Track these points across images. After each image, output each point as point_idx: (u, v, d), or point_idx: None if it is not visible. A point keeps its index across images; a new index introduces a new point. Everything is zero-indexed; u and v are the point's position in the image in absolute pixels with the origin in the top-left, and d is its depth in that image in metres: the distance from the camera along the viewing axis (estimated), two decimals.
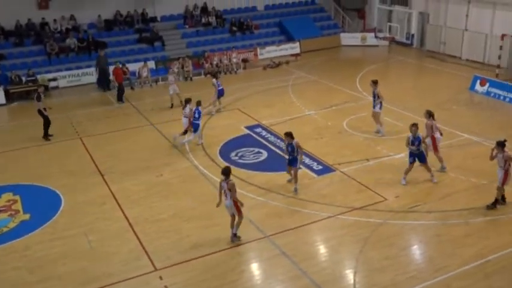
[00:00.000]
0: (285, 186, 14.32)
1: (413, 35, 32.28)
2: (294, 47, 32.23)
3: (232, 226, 11.98)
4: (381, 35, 32.05)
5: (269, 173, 15.22)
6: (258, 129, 18.99)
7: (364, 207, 13.20)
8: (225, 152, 16.94)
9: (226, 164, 14.67)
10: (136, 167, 16.16)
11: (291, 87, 24.91)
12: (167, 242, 12.14)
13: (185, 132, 17.54)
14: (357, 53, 32.86)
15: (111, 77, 24.54)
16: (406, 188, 14.02)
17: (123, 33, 30.30)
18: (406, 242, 11.78)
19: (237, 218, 11.92)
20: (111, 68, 25.23)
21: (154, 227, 12.76)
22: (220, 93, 20.70)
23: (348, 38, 34.17)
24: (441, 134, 14.69)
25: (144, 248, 11.94)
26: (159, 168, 15.95)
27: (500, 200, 12.81)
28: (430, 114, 14.56)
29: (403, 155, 15.98)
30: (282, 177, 14.80)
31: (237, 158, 16.41)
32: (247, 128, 19.23)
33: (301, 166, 14.22)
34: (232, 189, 11.58)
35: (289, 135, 13.65)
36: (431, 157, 14.83)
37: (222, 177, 11.57)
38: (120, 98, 23.33)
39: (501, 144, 12.40)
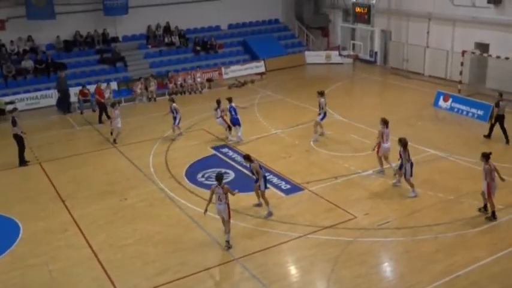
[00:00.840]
0: (252, 207, 14.29)
1: (376, 53, 33.06)
2: (258, 66, 32.50)
3: (227, 230, 12.29)
4: (344, 52, 32.69)
5: (241, 193, 15.17)
6: (225, 150, 18.96)
7: (334, 225, 13.29)
8: (191, 173, 16.83)
9: (192, 185, 14.54)
10: (100, 192, 15.88)
11: (257, 106, 25.05)
12: (133, 268, 11.89)
13: (229, 127, 19.29)
14: (321, 71, 33.37)
15: (95, 96, 23.95)
16: (375, 205, 14.20)
17: (83, 54, 29.97)
18: (377, 260, 11.89)
19: (226, 221, 12.25)
20: (72, 90, 24.93)
21: (119, 254, 12.50)
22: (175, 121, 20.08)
23: (313, 56, 34.72)
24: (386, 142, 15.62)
25: (108, 276, 11.65)
26: (123, 192, 15.71)
27: (482, 210, 13.28)
28: (384, 122, 15.60)
29: (371, 172, 16.23)
30: (250, 197, 14.77)
31: (203, 179, 16.32)
32: (214, 148, 19.19)
33: (268, 186, 14.23)
34: (227, 193, 12.08)
35: (246, 158, 13.73)
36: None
37: (216, 182, 12.10)
38: (100, 119, 23.15)
39: (485, 156, 12.78)
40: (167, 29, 32.56)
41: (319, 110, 18.98)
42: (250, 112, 23.97)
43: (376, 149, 15.88)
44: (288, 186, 15.57)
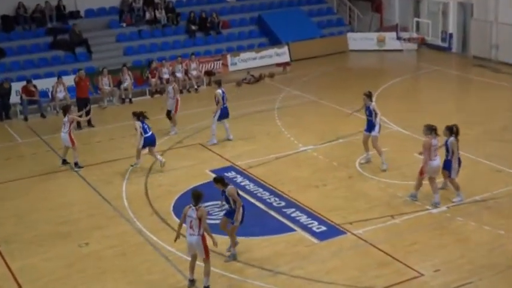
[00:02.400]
0: (271, 258, 14.24)
1: (451, 35, 33.07)
2: (280, 53, 32.73)
3: (192, 270, 12.74)
4: (405, 35, 32.79)
5: (247, 238, 15.11)
6: (231, 174, 18.98)
7: (391, 287, 13.18)
8: (181, 207, 16.67)
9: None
10: (50, 233, 15.93)
11: (278, 111, 25.09)
12: None
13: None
14: (372, 61, 33.44)
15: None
16: (450, 256, 14.05)
17: (29, 35, 30.42)
18: None
19: (204, 263, 12.59)
20: (17, 85, 25.39)
21: None
22: (150, 141, 19.80)
23: (359, 40, 34.89)
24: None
25: None
26: (83, 234, 15.75)
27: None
28: (431, 129, 16.35)
29: (445, 209, 16.12)
30: (268, 243, 14.74)
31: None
32: (215, 172, 19.20)
33: (237, 219, 14.19)
34: (203, 219, 12.44)
35: (218, 181, 14.02)
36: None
37: (192, 202, 12.60)
38: (89, 120, 23.85)
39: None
40: (150, 0, 32.88)
41: (373, 118, 18.73)
42: (268, 119, 24.03)
43: (421, 169, 16.39)
44: (323, 228, 15.50)
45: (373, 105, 18.79)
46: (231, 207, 14.10)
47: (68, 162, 20.33)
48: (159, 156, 19.61)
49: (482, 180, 17.49)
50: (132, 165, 19.47)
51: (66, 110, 20.32)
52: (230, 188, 13.96)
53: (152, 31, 32.32)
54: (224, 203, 14.45)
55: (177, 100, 22.73)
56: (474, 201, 16.56)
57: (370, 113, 18.69)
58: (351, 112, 20.28)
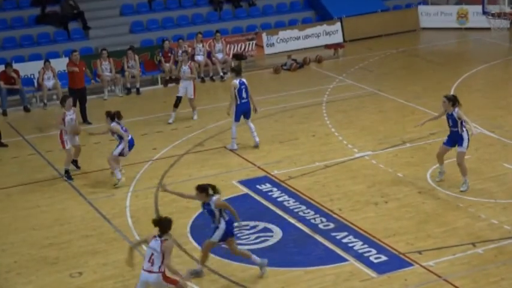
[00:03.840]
0: None
1: None
2: (331, 32, 32.70)
3: None
4: (494, 8, 32.48)
5: (286, 268, 15.17)
6: (265, 186, 19.04)
7: None
8: (202, 229, 16.84)
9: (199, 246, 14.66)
10: (33, 259, 16.03)
11: (327, 106, 25.13)
12: None
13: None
14: (450, 43, 33.23)
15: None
16: None
17: (10, 6, 30.75)
18: None
19: None
20: None
21: None
22: (131, 146, 19.82)
23: (433, 16, 34.74)
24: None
25: None
26: (76, 261, 15.85)
27: None
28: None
29: None
30: (313, 276, 14.79)
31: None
32: (244, 183, 19.30)
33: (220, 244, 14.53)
34: (166, 254, 12.55)
35: (201, 189, 14.36)
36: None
37: (154, 231, 12.74)
38: (84, 116, 24.49)
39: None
40: None
41: (458, 128, 17.99)
42: (315, 117, 24.04)
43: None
44: (383, 258, 15.43)
45: (458, 112, 17.99)
46: (214, 223, 14.43)
47: (78, 166, 20.63)
48: (117, 171, 19.53)
49: None
50: (115, 185, 19.51)
51: (62, 101, 20.42)
52: (217, 199, 14.28)
53: (166, 1, 32.48)
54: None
55: (194, 86, 23.52)
56: None
57: (454, 123, 17.99)
58: (423, 122, 19.51)
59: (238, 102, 21.04)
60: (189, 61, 23.84)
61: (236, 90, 20.91)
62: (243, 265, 15.33)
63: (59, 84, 26.27)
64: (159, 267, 12.59)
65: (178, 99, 23.60)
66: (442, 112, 18.35)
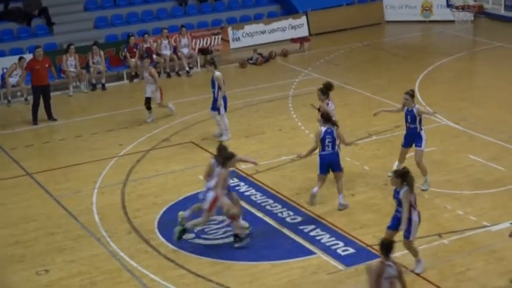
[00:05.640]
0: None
1: None
2: (297, 26, 32.72)
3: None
4: (458, 1, 32.72)
5: (254, 263, 15.19)
6: (232, 181, 18.95)
7: None
8: (169, 224, 16.84)
9: (172, 247, 14.61)
10: (0, 258, 16.10)
11: (294, 99, 25.18)
12: None
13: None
14: (414, 36, 33.39)
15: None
16: None
17: None
18: None
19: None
20: None
21: None
22: None
23: (398, 9, 34.90)
24: None
25: None
26: (42, 259, 15.75)
27: None
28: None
29: (508, 225, 16.15)
30: (280, 270, 14.82)
31: (192, 235, 16.35)
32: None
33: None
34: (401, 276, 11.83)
35: (399, 175, 14.20)
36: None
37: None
38: (49, 112, 24.15)
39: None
40: None
41: (417, 125, 17.87)
42: (281, 111, 24.06)
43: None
44: (350, 251, 15.52)
45: (419, 108, 17.91)
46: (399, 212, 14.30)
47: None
48: None
49: None
50: None
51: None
52: (405, 191, 14.20)
53: None
54: None
55: (160, 89, 23.15)
56: None
57: (412, 119, 17.80)
58: (378, 111, 19.25)
59: (225, 94, 21.24)
60: (150, 67, 23.28)
61: (223, 81, 21.02)
62: (210, 260, 15.34)
63: (23, 81, 25.94)
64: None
65: (147, 100, 23.19)
66: (400, 108, 18.18)
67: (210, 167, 15.97)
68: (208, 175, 15.93)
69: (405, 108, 17.88)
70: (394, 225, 14.40)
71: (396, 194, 14.23)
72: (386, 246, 11.79)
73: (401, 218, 14.17)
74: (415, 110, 17.67)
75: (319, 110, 18.44)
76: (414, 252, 14.53)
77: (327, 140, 17.11)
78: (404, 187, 14.05)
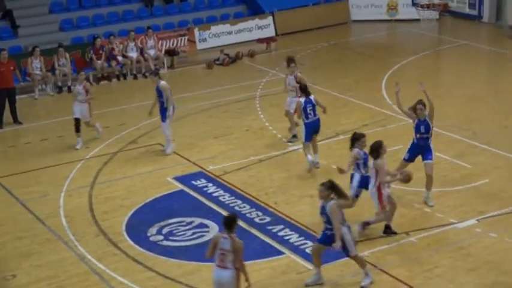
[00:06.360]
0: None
1: (481, 0, 33.24)
2: (263, 26, 32.71)
3: None
4: (423, 0, 32.88)
5: None
6: (201, 182, 19.04)
7: None
8: (137, 226, 16.89)
9: (140, 249, 14.61)
10: None
11: (261, 100, 25.20)
12: None
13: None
14: (380, 35, 33.53)
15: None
16: (478, 283, 14.19)
17: None
18: None
19: None
20: None
21: None
22: None
23: (364, 8, 35.01)
24: None
25: None
26: (9, 263, 15.67)
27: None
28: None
29: (474, 222, 16.29)
30: (249, 270, 14.70)
31: (161, 237, 16.36)
32: (179, 179, 19.30)
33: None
34: (240, 250, 12.25)
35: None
36: None
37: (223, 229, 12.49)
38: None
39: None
40: None
41: (430, 135, 17.21)
42: (248, 111, 24.08)
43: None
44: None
45: (430, 114, 17.17)
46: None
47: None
48: None
49: None
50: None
51: None
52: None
53: None
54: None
55: (90, 106, 21.63)
56: None
57: (427, 129, 17.01)
58: (398, 90, 17.97)
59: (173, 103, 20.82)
60: (85, 81, 21.84)
61: (170, 92, 20.67)
62: (179, 261, 15.34)
63: None
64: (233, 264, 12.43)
65: (77, 122, 21.52)
66: (412, 116, 17.27)
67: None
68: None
69: (416, 119, 17.10)
70: (323, 240, 14.11)
71: (323, 209, 13.83)
72: (227, 221, 12.43)
73: (333, 234, 13.77)
74: (428, 119, 17.02)
75: (299, 82, 20.27)
76: (361, 264, 14.23)
77: (308, 109, 18.94)
78: (330, 201, 13.70)
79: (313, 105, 19.06)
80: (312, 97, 19.12)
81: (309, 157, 19.00)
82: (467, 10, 33.50)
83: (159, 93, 20.50)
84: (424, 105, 17.00)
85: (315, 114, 19.10)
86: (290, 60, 21.28)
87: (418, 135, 17.04)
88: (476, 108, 23.45)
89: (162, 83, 20.58)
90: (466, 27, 33.01)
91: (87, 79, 23.59)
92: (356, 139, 16.07)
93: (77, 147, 21.45)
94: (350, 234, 13.94)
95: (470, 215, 16.54)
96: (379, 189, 15.48)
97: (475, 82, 26.45)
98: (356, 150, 16.06)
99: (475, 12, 33.33)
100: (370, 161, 15.68)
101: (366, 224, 15.86)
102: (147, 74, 28.45)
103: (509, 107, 23.42)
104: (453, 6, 33.49)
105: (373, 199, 15.66)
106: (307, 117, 18.98)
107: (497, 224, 16.17)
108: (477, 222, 16.32)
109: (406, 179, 15.59)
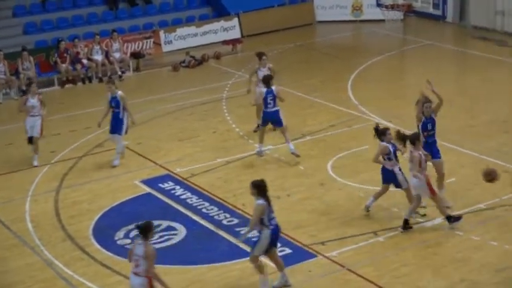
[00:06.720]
0: None
1: (445, 1, 33.45)
2: (229, 28, 32.70)
3: None
4: (388, 0, 33.04)
5: (191, 266, 15.17)
6: (168, 185, 19.01)
7: None
8: (104, 230, 16.81)
9: (108, 253, 14.59)
10: None
11: (227, 102, 25.20)
12: None
13: None
14: (345, 36, 33.64)
15: None
16: (445, 281, 14.27)
17: None
18: None
19: None
20: None
21: None
22: None
23: (329, 9, 35.08)
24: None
25: None
26: None
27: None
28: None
29: (441, 221, 16.40)
30: (217, 272, 14.81)
31: (128, 241, 16.24)
32: (146, 182, 19.25)
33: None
34: (152, 258, 12.35)
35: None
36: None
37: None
38: None
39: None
40: None
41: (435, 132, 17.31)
42: (215, 113, 24.06)
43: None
44: (287, 251, 15.54)
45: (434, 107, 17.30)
46: None
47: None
48: None
49: (487, 184, 17.79)
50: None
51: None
52: None
53: (60, 1, 32.02)
54: None
55: (42, 121, 20.54)
56: (478, 209, 16.91)
57: (433, 126, 17.02)
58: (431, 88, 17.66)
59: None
60: (38, 94, 20.78)
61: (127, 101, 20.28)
62: None
63: None
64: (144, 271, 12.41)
65: (30, 141, 20.54)
66: (420, 118, 17.10)
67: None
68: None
69: (423, 118, 16.97)
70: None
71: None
72: (143, 228, 12.41)
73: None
74: (433, 115, 17.05)
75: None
76: (258, 269, 13.99)
77: (269, 98, 19.82)
78: (257, 200, 13.63)
79: (274, 96, 19.86)
80: (273, 88, 19.96)
81: (258, 146, 20.12)
82: (431, 10, 33.71)
83: (116, 103, 19.91)
84: (431, 102, 17.07)
85: (274, 105, 19.83)
86: (261, 54, 22.04)
87: (425, 133, 16.95)
88: (442, 107, 23.54)
89: (120, 92, 20.10)
90: (431, 27, 33.20)
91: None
92: (382, 133, 16.33)
93: (35, 164, 20.58)
94: (268, 236, 13.66)
95: (437, 214, 16.57)
96: (427, 181, 15.81)
97: (440, 82, 26.40)
98: (383, 143, 16.35)
99: (439, 13, 33.54)
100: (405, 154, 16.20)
101: (450, 217, 16.00)
102: (112, 77, 28.20)
103: (474, 106, 23.63)
104: (417, 6, 33.70)
105: (422, 191, 15.86)
106: (266, 107, 19.88)
107: (464, 223, 16.25)
108: (443, 220, 16.41)
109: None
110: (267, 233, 13.66)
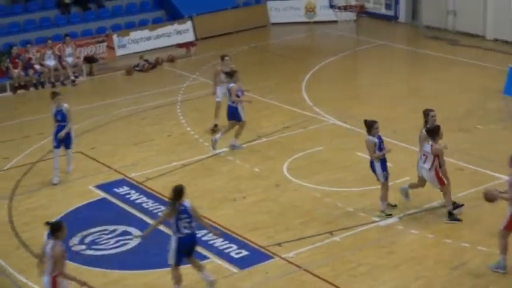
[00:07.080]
0: None
1: (397, 1, 33.74)
2: (182, 31, 32.67)
3: None
4: (340, 2, 33.20)
5: (148, 270, 15.16)
6: (123, 189, 18.96)
7: None
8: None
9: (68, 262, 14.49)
10: None
11: (182, 105, 25.17)
12: None
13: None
14: (299, 37, 33.78)
15: None
16: (401, 280, 14.41)
17: None
18: None
19: None
20: None
21: None
22: None
23: (282, 11, 35.22)
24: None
25: None
26: None
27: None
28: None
29: (396, 220, 16.53)
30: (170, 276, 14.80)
31: (84, 247, 16.23)
32: (101, 187, 19.17)
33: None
34: (57, 258, 12.26)
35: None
36: None
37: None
38: None
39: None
40: None
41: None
42: (169, 117, 24.01)
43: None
44: (244, 253, 15.62)
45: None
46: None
47: None
48: None
49: None
50: None
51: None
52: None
53: (11, 6, 31.76)
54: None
55: None
56: (432, 208, 17.09)
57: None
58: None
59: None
60: None
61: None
62: (103, 270, 15.23)
63: None
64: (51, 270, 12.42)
65: None
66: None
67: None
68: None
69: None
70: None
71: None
72: (51, 227, 12.61)
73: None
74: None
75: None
76: (174, 279, 14.02)
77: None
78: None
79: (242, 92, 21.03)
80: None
81: (217, 136, 20.78)
82: (383, 11, 34.01)
83: (62, 116, 19.17)
84: (434, 111, 17.02)
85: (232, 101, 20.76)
86: (224, 55, 22.80)
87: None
88: (395, 107, 23.78)
89: (66, 105, 19.38)
90: (383, 28, 33.49)
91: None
92: (370, 126, 16.60)
93: None
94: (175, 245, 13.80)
95: (392, 213, 16.74)
96: (436, 171, 16.01)
97: (394, 82, 26.83)
98: (369, 137, 16.66)
99: (391, 13, 33.86)
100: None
101: (457, 207, 16.48)
102: (65, 82, 28.11)
103: (427, 105, 23.64)
104: (370, 7, 33.96)
105: (433, 182, 16.22)
106: (230, 100, 20.84)
107: (418, 221, 16.46)
108: (399, 219, 16.57)
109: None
110: (173, 239, 13.85)
